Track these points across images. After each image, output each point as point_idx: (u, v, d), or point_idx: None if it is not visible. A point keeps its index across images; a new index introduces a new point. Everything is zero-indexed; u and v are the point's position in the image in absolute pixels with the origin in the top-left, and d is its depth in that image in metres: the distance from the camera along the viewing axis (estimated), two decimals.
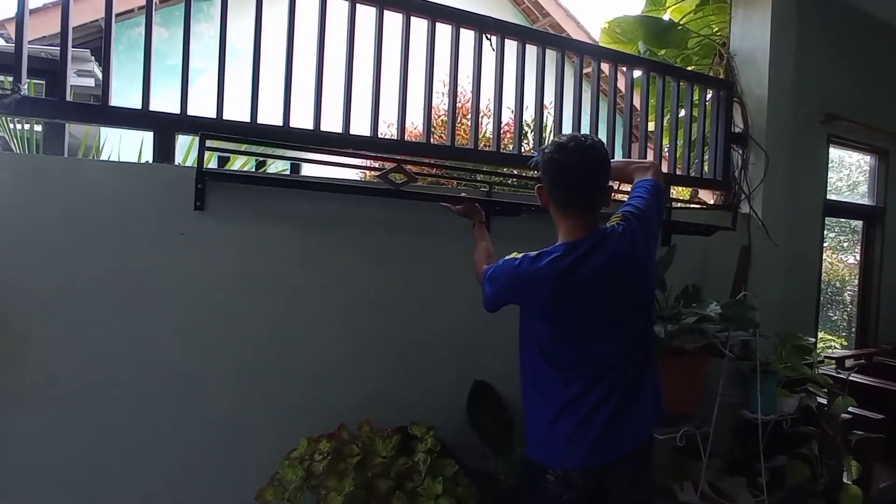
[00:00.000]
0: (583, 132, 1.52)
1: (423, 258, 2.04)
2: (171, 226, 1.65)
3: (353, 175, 2.87)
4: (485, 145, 2.33)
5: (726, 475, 2.48)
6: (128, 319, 1.62)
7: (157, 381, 1.66)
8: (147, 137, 1.75)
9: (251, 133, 1.81)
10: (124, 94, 2.13)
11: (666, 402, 2.11)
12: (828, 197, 3.40)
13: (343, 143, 1.93)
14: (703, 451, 2.14)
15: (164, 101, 1.73)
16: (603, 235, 1.38)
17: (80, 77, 4.17)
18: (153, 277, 1.65)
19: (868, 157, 3.85)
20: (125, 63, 4.28)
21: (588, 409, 1.35)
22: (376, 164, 4.13)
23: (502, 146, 2.27)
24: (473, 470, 1.85)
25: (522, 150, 2.28)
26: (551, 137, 2.43)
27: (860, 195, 4.09)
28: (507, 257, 1.43)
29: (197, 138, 1.64)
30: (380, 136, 2.01)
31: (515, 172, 2.30)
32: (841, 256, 5.21)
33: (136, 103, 1.66)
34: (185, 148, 2.67)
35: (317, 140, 1.89)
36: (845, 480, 2.30)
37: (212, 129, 1.75)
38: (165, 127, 1.69)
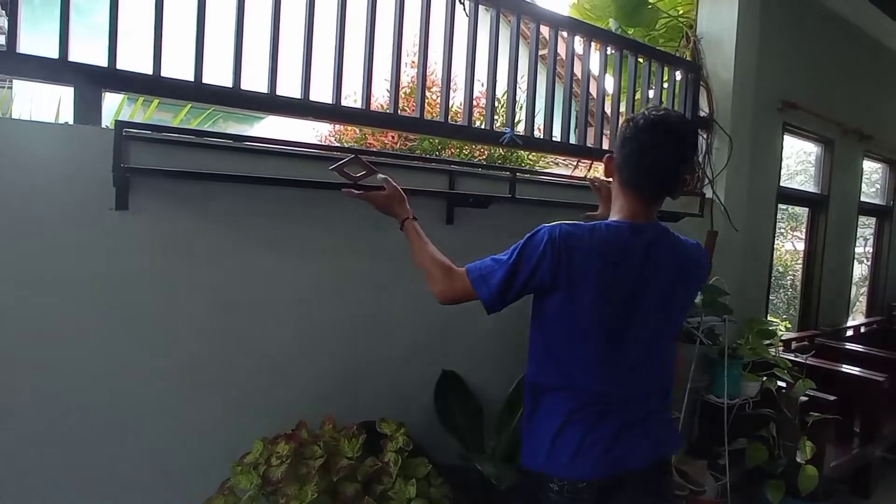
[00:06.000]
0: (665, 106, 1.29)
1: (383, 246, 1.87)
2: (96, 201, 1.40)
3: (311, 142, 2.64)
4: (452, 119, 2.18)
5: (690, 459, 2.49)
6: (42, 312, 1.36)
7: (80, 384, 1.41)
8: (66, 97, 1.48)
9: (196, 95, 1.58)
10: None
11: None
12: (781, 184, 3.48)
13: (302, 110, 1.73)
14: None
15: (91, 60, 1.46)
16: (665, 230, 1.27)
17: None
18: (75, 262, 1.40)
19: (813, 147, 3.98)
20: (40, 18, 3.79)
21: (604, 415, 1.23)
22: (333, 142, 3.91)
23: (472, 121, 2.12)
24: (443, 465, 1.73)
25: (494, 125, 2.14)
26: (523, 113, 2.34)
27: (798, 184, 4.25)
28: (531, 234, 1.23)
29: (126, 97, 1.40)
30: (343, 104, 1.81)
31: (483, 162, 2.16)
32: (778, 242, 5.46)
33: None
34: (111, 111, 2.35)
35: (272, 105, 1.68)
36: (798, 460, 2.35)
37: (148, 86, 1.51)
38: (89, 81, 1.42)
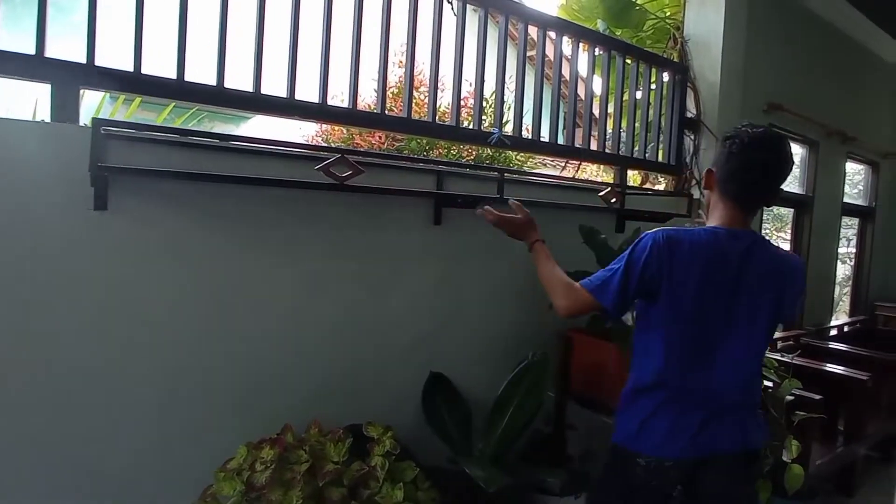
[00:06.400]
0: (756, 125, 1.35)
1: (372, 248, 1.86)
2: (75, 201, 1.36)
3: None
4: (440, 119, 2.17)
5: None
6: (20, 315, 1.33)
7: (61, 387, 1.38)
8: (43, 95, 1.44)
9: (178, 93, 1.55)
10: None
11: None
12: None
13: (287, 109, 1.70)
14: None
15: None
16: (761, 238, 1.36)
17: None
18: (54, 263, 1.36)
19: (798, 149, 4.02)
20: (21, 15, 3.72)
21: (694, 405, 1.32)
22: (320, 142, 3.88)
23: (460, 121, 2.10)
24: (431, 467, 1.72)
25: (482, 125, 2.12)
26: (511, 114, 2.33)
27: (783, 185, 4.28)
28: (635, 243, 1.34)
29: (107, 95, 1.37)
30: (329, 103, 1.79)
31: (471, 162, 2.15)
32: None
33: None
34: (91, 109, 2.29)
35: (257, 104, 1.65)
36: (784, 459, 2.36)
37: (128, 84, 1.48)
38: (67, 78, 1.39)
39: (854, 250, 4.91)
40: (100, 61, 1.42)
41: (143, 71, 1.47)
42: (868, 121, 4.42)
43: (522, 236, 1.61)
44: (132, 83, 1.47)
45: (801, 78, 3.61)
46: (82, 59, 1.40)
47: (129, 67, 1.46)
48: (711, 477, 1.31)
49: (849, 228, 4.83)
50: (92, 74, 1.41)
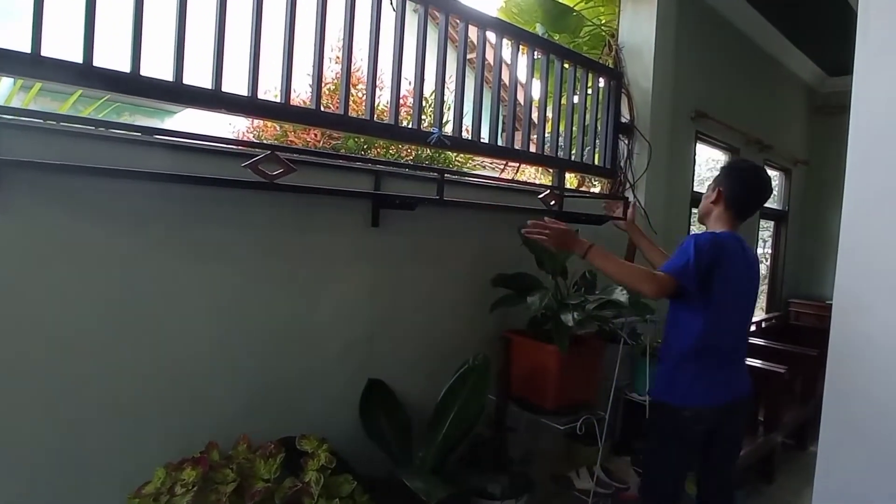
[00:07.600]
0: (748, 160, 2.15)
1: (305, 250, 1.76)
2: None
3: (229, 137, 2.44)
4: (378, 118, 2.10)
5: (613, 456, 2.55)
6: None
7: None
8: None
9: (85, 79, 1.39)
10: None
11: (569, 392, 2.09)
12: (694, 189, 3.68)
13: (213, 101, 1.58)
14: (599, 436, 2.16)
15: None
16: (744, 242, 1.87)
17: None
18: None
19: (721, 155, 4.25)
20: None
21: (721, 365, 1.79)
22: (250, 135, 3.68)
23: (399, 120, 2.04)
24: (371, 478, 1.65)
25: (422, 125, 2.07)
26: (451, 114, 2.29)
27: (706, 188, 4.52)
28: (691, 240, 1.75)
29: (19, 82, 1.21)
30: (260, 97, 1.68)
31: (410, 162, 2.09)
32: None
33: None
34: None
35: (177, 95, 1.52)
36: None
37: (29, 68, 1.31)
38: None
39: (770, 251, 5.26)
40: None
41: (43, 53, 1.31)
42: (782, 130, 4.75)
43: (573, 245, 1.82)
44: (29, 66, 1.30)
45: (724, 88, 3.82)
46: None
47: (27, 48, 1.30)
48: (732, 417, 1.82)
49: (765, 230, 5.16)
50: None
